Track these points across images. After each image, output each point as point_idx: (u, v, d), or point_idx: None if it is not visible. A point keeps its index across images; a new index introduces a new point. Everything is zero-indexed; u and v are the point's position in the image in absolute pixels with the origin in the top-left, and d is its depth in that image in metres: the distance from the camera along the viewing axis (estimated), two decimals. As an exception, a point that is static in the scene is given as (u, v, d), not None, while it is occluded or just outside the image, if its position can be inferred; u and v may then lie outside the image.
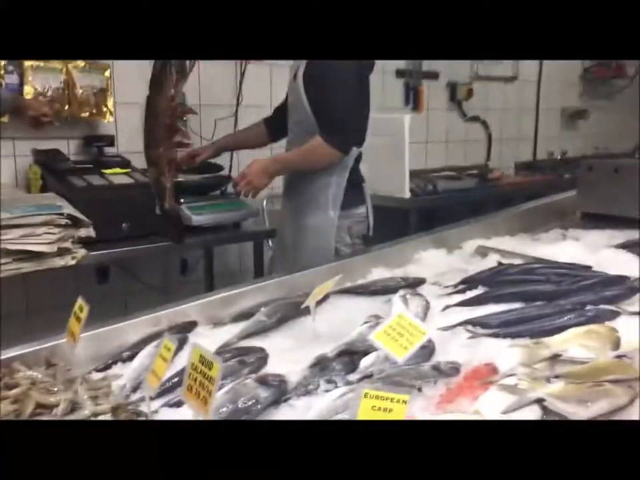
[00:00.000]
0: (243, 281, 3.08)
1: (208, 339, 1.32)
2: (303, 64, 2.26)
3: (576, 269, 1.55)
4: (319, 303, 1.41)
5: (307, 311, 1.38)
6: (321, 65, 2.19)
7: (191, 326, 1.40)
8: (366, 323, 1.32)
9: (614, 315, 1.26)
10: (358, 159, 2.31)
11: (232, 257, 3.35)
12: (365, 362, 1.14)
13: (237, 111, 3.23)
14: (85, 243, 2.18)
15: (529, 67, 4.90)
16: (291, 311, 1.44)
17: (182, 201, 2.51)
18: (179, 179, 2.78)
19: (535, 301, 1.38)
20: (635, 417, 0.88)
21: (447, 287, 1.59)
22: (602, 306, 1.30)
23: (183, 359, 1.10)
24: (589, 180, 2.36)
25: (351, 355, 1.18)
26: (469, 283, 1.56)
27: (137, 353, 1.24)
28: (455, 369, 1.09)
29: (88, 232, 2.14)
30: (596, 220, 2.26)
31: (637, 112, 4.92)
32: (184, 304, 1.49)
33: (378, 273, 1.74)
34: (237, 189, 2.36)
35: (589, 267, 1.57)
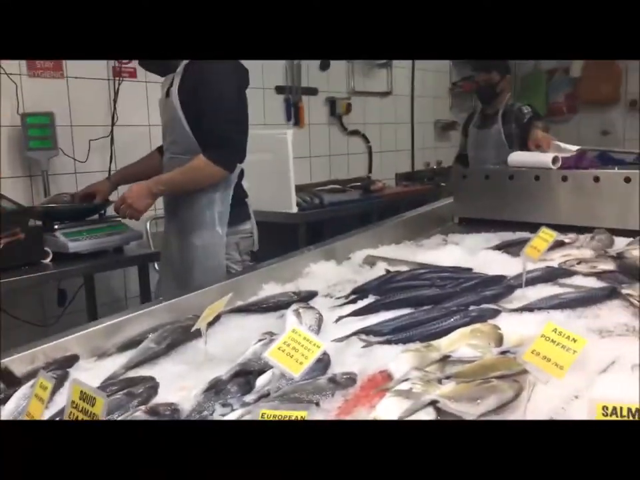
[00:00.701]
0: (129, 308, 2.93)
1: (91, 373, 1.24)
2: (176, 80, 2.21)
3: (458, 272, 1.61)
4: (210, 324, 1.36)
5: (198, 334, 1.33)
6: (196, 80, 2.15)
7: (71, 360, 1.30)
8: (260, 340, 1.28)
9: (495, 313, 1.32)
10: (240, 174, 2.28)
11: (116, 283, 3.19)
12: (261, 381, 1.11)
13: (112, 131, 3.10)
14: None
15: (401, 82, 5.13)
16: (181, 335, 1.38)
17: (56, 227, 2.36)
18: (52, 205, 2.62)
19: (423, 305, 1.42)
20: (522, 410, 0.92)
21: (338, 298, 1.59)
22: (484, 305, 1.36)
23: (64, 397, 1.02)
24: (463, 187, 2.50)
25: (246, 375, 1.14)
26: (359, 292, 1.58)
27: (11, 395, 1.13)
28: (351, 379, 1.08)
29: (-50, 266, 1.95)
30: (472, 224, 2.38)
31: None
32: (63, 337, 1.38)
33: (269, 289, 1.72)
34: (118, 213, 2.26)
35: (469, 269, 1.65)
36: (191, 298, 1.64)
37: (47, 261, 2.35)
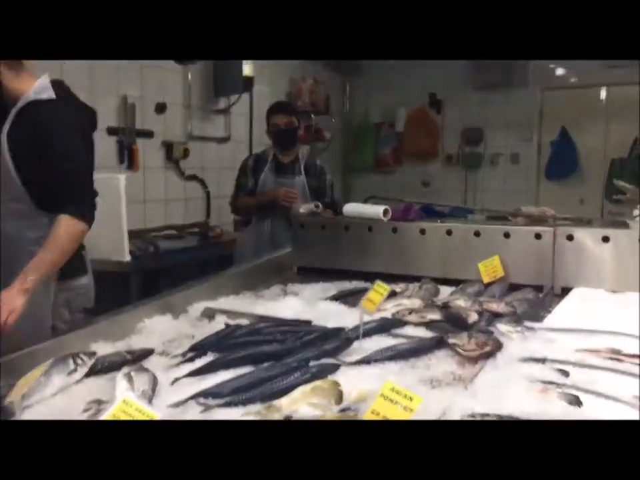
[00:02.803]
0: None
1: None
2: (6, 126, 1.98)
3: (298, 325, 1.62)
4: (27, 395, 1.21)
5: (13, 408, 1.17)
6: (33, 126, 1.95)
7: None
8: (85, 411, 1.17)
9: (335, 367, 1.33)
10: None
11: None
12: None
13: None
14: None
15: (239, 128, 5.19)
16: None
17: None
18: None
19: (264, 362, 1.39)
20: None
21: (175, 356, 1.51)
22: (323, 360, 1.37)
23: None
24: (301, 236, 2.55)
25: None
26: (197, 349, 1.51)
27: None
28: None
29: None
30: (310, 273, 2.43)
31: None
32: None
33: (99, 349, 1.58)
34: None
35: (309, 322, 1.66)
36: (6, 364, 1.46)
37: None
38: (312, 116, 5.90)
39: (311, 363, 1.34)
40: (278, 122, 3.48)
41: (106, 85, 3.92)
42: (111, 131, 3.98)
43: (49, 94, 2.02)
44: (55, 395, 1.32)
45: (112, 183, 2.96)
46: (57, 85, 2.10)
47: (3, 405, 1.18)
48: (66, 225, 1.93)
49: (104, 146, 3.90)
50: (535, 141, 6.23)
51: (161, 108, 4.37)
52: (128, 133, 4.05)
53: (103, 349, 1.58)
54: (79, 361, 1.43)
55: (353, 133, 7.05)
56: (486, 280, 2.05)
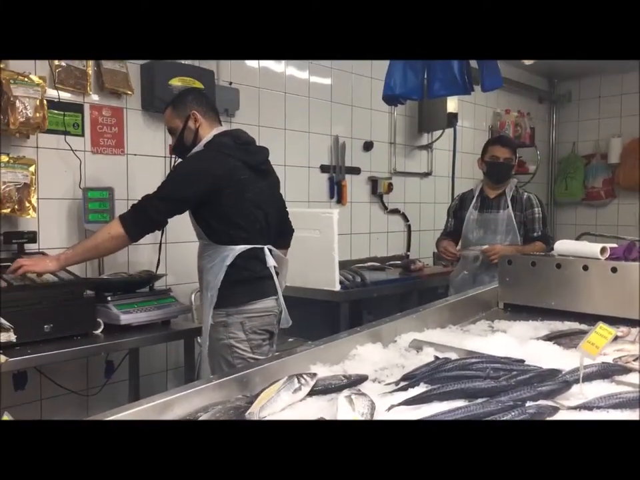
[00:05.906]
0: (170, 381, 2.92)
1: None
2: None
3: (510, 363, 1.59)
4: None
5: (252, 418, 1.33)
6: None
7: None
8: (313, 427, 1.28)
9: (554, 410, 1.29)
10: (246, 255, 2.35)
11: (157, 354, 3.21)
12: None
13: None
14: (4, 347, 2.03)
15: (441, 163, 5.24)
16: (234, 417, 1.38)
17: (109, 298, 2.42)
18: (105, 276, 2.70)
19: (476, 397, 1.40)
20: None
21: (388, 384, 1.58)
22: (541, 401, 1.34)
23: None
24: (509, 273, 2.50)
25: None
26: (409, 379, 1.56)
27: None
28: None
29: (8, 337, 2.01)
30: (517, 310, 2.37)
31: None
32: (109, 415, 1.38)
33: (317, 371, 1.71)
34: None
35: (522, 361, 1.63)
36: (237, 377, 1.65)
37: (98, 332, 2.40)
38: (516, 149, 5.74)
39: (528, 404, 1.32)
40: (498, 154, 3.52)
41: (321, 127, 4.25)
42: (324, 169, 4.30)
43: (201, 146, 2.36)
44: (283, 410, 1.47)
45: (326, 217, 3.20)
46: (223, 134, 2.39)
47: (245, 415, 1.34)
48: (112, 224, 2.25)
49: (318, 182, 4.24)
50: None
51: (368, 146, 4.61)
52: (338, 170, 4.34)
53: (320, 371, 1.71)
54: (303, 381, 1.57)
55: (560, 165, 6.70)
56: None
